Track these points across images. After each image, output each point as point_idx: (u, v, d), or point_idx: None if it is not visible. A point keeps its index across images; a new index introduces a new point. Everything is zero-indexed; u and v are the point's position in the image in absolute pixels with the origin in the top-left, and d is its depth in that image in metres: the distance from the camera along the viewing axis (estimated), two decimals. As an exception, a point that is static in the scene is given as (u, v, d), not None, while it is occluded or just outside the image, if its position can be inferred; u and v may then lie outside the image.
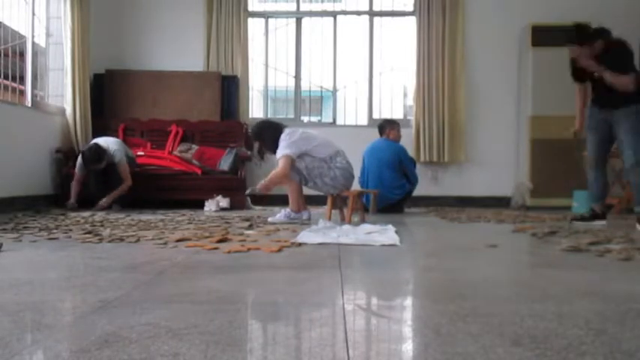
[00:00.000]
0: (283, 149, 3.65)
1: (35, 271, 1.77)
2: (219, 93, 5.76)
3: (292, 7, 6.35)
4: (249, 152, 5.36)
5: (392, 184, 4.67)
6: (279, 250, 2.24)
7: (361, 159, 4.89)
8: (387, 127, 4.96)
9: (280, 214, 3.64)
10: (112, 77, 5.72)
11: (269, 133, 3.80)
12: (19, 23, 4.78)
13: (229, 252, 2.17)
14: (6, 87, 4.52)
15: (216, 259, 2.02)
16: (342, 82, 6.52)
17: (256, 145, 3.93)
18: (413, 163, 4.94)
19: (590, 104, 3.75)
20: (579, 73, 3.74)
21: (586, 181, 3.82)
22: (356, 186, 4.52)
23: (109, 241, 2.48)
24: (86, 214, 4.01)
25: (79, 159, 4.52)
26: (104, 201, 4.47)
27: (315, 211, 3.94)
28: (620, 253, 2.21)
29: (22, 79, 4.79)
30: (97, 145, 4.49)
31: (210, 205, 4.72)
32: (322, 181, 3.70)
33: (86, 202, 4.54)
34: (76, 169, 4.55)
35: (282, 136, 3.71)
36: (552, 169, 5.57)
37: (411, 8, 6.13)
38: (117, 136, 5.16)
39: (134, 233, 2.76)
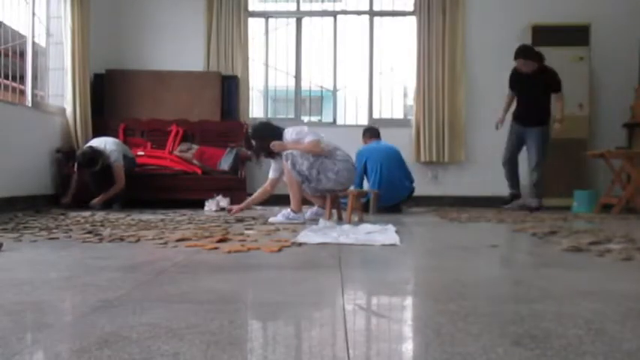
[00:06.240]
0: (309, 135, 3.58)
1: (35, 270, 1.77)
2: (219, 93, 5.76)
3: (292, 7, 6.35)
4: (249, 152, 5.36)
5: (403, 182, 4.76)
6: (279, 250, 2.24)
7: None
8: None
9: (280, 214, 3.63)
10: (112, 77, 5.72)
11: (268, 134, 3.68)
12: (19, 23, 4.77)
13: (229, 252, 2.17)
14: (6, 87, 4.52)
15: (216, 259, 2.01)
16: (342, 82, 6.52)
17: (254, 143, 3.79)
18: None
19: (512, 119, 5.06)
20: (514, 84, 5.03)
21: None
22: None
23: (110, 241, 2.48)
24: (86, 213, 4.01)
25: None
26: (95, 201, 4.50)
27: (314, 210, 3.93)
28: (620, 253, 2.20)
29: (22, 79, 4.79)
30: (90, 149, 4.49)
31: (210, 205, 4.72)
32: (326, 177, 3.63)
33: (85, 201, 4.55)
34: (76, 168, 4.57)
35: (289, 134, 3.64)
36: (552, 169, 5.57)
37: (411, 8, 6.14)
38: (117, 136, 5.17)
39: (134, 233, 2.76)
